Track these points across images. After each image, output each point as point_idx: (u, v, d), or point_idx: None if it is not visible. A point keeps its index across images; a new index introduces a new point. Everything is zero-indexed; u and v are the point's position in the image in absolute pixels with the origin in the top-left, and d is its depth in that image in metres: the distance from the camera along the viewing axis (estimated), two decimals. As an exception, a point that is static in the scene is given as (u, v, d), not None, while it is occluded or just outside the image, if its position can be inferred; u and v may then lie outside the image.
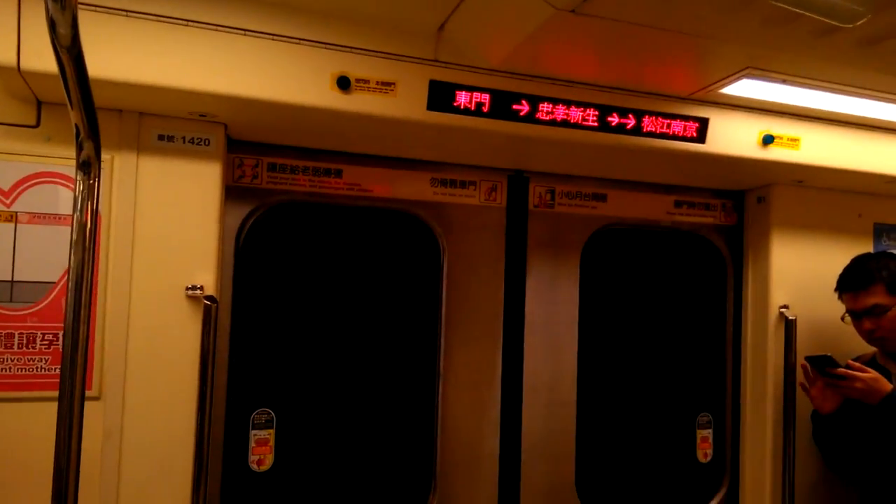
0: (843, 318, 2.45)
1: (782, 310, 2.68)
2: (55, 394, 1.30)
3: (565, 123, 2.12)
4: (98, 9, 1.65)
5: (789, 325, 2.63)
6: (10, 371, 1.83)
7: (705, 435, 2.92)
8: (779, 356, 2.67)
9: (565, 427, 2.64)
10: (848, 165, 2.50)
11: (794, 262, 2.75)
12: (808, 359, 2.44)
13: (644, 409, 2.86)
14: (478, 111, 2.03)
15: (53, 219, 1.88)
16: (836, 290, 2.47)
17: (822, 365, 2.37)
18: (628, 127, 2.19)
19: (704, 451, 2.92)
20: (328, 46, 1.86)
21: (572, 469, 2.65)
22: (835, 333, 2.56)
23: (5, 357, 1.83)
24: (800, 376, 2.51)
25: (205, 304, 1.96)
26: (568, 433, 2.65)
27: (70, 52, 1.06)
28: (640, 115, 2.19)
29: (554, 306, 2.66)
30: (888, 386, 2.23)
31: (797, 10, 0.89)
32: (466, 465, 2.52)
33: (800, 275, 2.74)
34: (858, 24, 0.92)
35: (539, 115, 2.09)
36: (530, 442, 2.59)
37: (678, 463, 2.89)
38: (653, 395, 2.87)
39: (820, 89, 2.16)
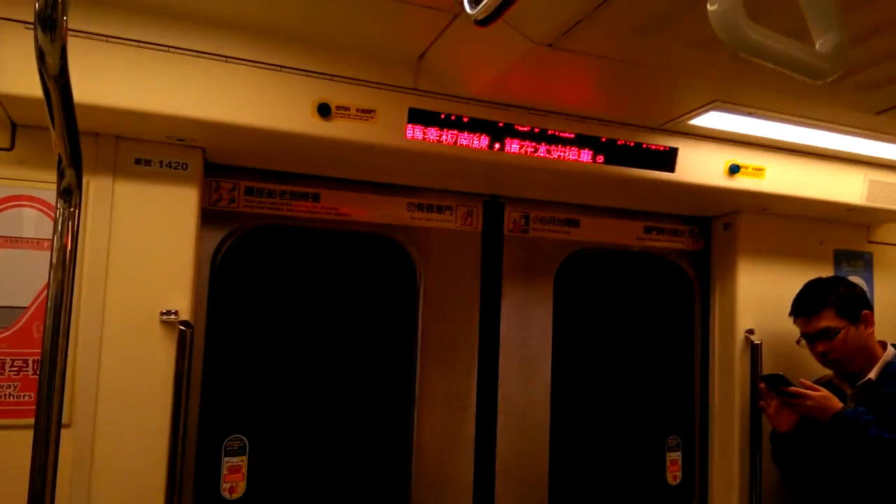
0: (798, 342, 2.53)
1: (748, 334, 2.76)
2: (24, 421, 1.28)
3: (539, 151, 2.17)
4: (78, 34, 1.64)
5: (755, 349, 2.70)
6: (-24, 398, 1.79)
7: (674, 458, 2.96)
8: (745, 379, 2.74)
9: (539, 450, 2.66)
10: (810, 194, 2.59)
11: (759, 287, 2.83)
12: (762, 378, 2.51)
13: (615, 432, 2.89)
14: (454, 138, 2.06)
15: (26, 242, 1.85)
16: (790, 314, 2.55)
17: (776, 384, 2.44)
18: (596, 158, 2.25)
19: (674, 474, 2.96)
20: (309, 74, 1.88)
21: (546, 491, 2.66)
22: (798, 357, 2.63)
23: (-28, 384, 1.79)
24: (758, 397, 2.58)
25: (179, 329, 1.94)
26: (541, 456, 2.66)
27: (58, 81, 1.06)
28: (606, 144, 2.25)
29: (528, 330, 2.69)
30: (838, 404, 2.30)
31: (768, 66, 0.94)
32: (441, 490, 2.51)
33: (764, 299, 2.82)
34: (829, 80, 0.97)
35: (513, 143, 2.14)
36: (504, 465, 2.60)
37: (649, 485, 2.93)
38: (624, 418, 2.91)
39: (784, 122, 2.26)
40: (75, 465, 1.85)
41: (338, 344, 2.47)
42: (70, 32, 1.62)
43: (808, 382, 2.39)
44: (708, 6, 0.86)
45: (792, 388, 2.38)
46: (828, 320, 2.41)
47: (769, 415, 2.52)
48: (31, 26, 0.99)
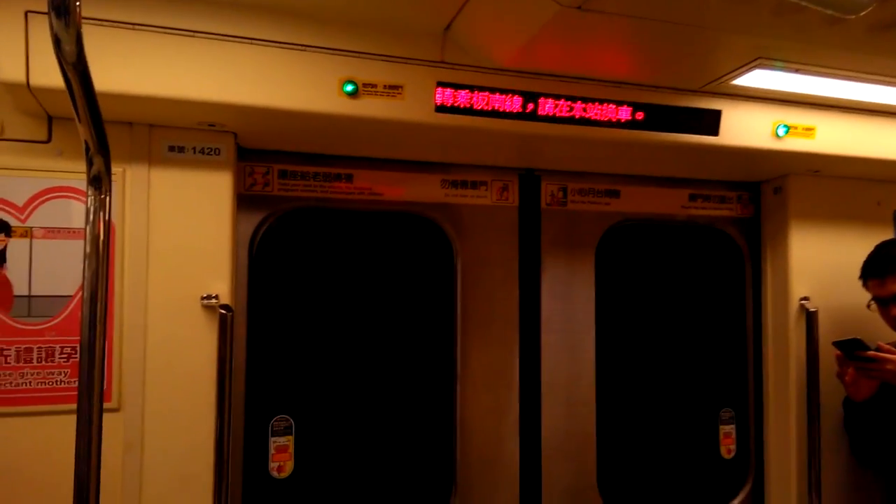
0: (868, 306, 2.41)
1: (803, 301, 2.65)
2: (75, 406, 1.31)
3: (573, 120, 2.11)
4: (105, 23, 1.66)
5: (810, 317, 2.59)
6: (30, 385, 1.85)
7: (728, 430, 2.88)
8: (800, 349, 2.63)
9: (585, 426, 2.62)
10: (864, 153, 2.46)
11: (813, 252, 2.71)
12: (836, 343, 2.39)
13: (665, 406, 2.83)
14: (486, 111, 2.02)
15: (67, 233, 1.90)
16: (860, 277, 2.43)
17: (852, 349, 2.32)
18: (636, 120, 2.16)
19: (728, 447, 2.88)
20: (334, 52, 1.86)
21: (594, 468, 2.62)
22: (857, 324, 2.51)
23: (25, 371, 1.85)
24: (834, 368, 2.46)
25: (220, 313, 1.97)
26: (588, 432, 2.62)
27: (76, 68, 1.06)
28: (645, 108, 2.17)
29: (570, 305, 2.64)
30: None
31: (801, 3, 0.87)
32: (487, 467, 2.50)
33: (819, 266, 2.70)
34: (863, 14, 0.90)
35: (547, 112, 2.08)
36: (550, 442, 2.57)
37: (701, 460, 2.86)
38: (673, 392, 2.84)
39: (833, 77, 2.13)
40: (126, 449, 1.91)
41: (378, 323, 2.47)
42: (97, 22, 1.65)
43: (888, 346, 2.27)
44: None
45: (870, 352, 2.27)
46: None
47: (846, 383, 2.41)
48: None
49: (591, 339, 2.65)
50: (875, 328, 2.42)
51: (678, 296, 2.88)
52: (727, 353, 2.91)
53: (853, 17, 0.90)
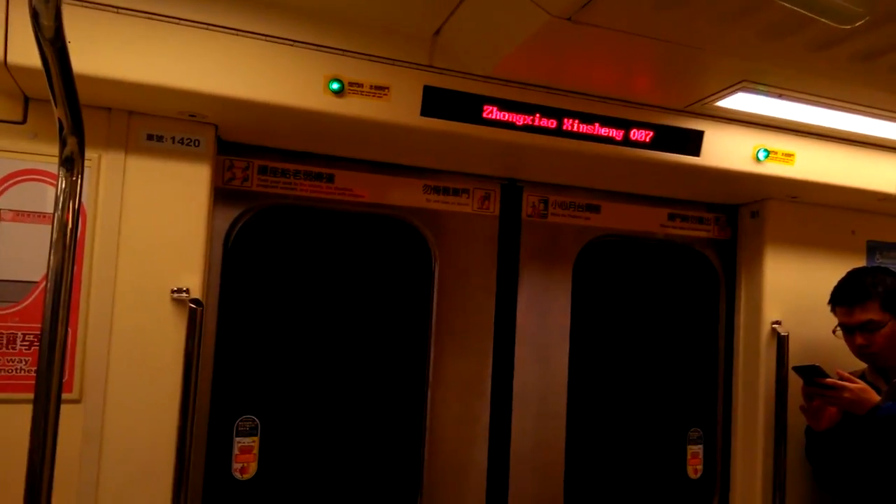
0: (834, 332, 2.44)
1: (774, 325, 2.67)
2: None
3: (558, 133, 2.11)
4: (88, 4, 1.63)
5: (781, 341, 2.61)
6: (-12, 371, 1.80)
7: (696, 451, 2.89)
8: (770, 372, 2.65)
9: (555, 439, 2.61)
10: (842, 182, 2.49)
11: (787, 277, 2.74)
12: (795, 368, 2.42)
13: (635, 423, 2.83)
14: (471, 118, 2.01)
15: (38, 217, 1.85)
16: (829, 302, 2.46)
17: (811, 375, 2.35)
18: (618, 138, 2.18)
19: (695, 467, 2.89)
20: (322, 49, 1.85)
21: (561, 482, 2.61)
22: (827, 350, 2.54)
23: (-16, 357, 1.79)
24: (799, 399, 2.46)
25: (190, 307, 1.93)
26: (557, 445, 2.61)
27: (53, 44, 1.03)
28: (629, 125, 2.18)
29: (545, 317, 2.63)
30: (876, 397, 2.20)
31: (796, 9, 0.88)
32: (454, 476, 2.48)
33: (793, 290, 2.73)
34: (857, 24, 0.91)
35: (532, 123, 2.08)
36: (519, 453, 2.55)
37: (668, 478, 2.86)
38: (644, 409, 2.85)
39: (815, 104, 2.16)
40: (85, 440, 1.86)
41: (351, 326, 2.44)
42: (79, 3, 1.62)
43: (846, 374, 2.29)
44: None
45: (828, 379, 2.29)
46: (872, 312, 2.32)
47: (808, 412, 2.41)
48: None
49: (564, 352, 2.65)
50: (844, 355, 2.44)
51: (653, 314, 2.89)
52: (698, 372, 2.92)
53: (847, 27, 0.91)
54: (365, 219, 2.45)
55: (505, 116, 2.05)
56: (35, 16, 0.99)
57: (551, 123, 2.10)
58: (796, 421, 2.52)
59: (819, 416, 2.36)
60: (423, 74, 1.95)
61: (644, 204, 2.81)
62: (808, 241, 2.78)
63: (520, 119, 2.07)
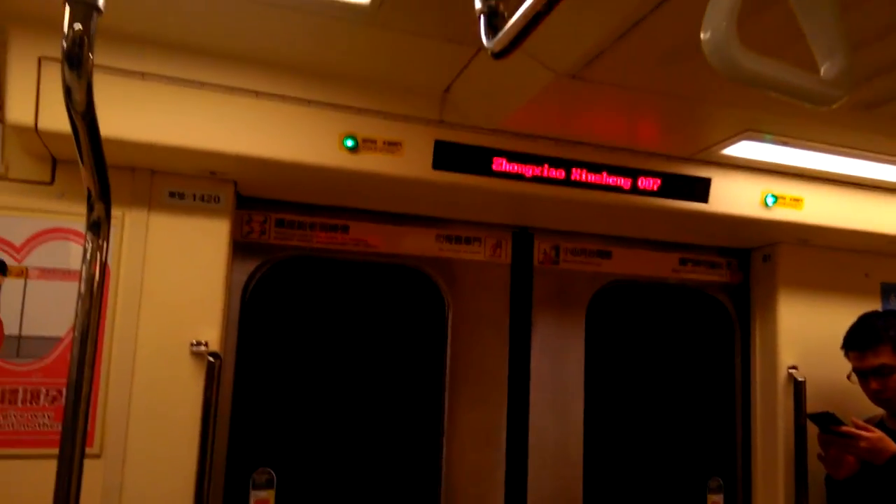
0: (848, 377, 2.42)
1: (791, 370, 2.65)
2: (57, 451, 1.29)
3: (567, 182, 2.15)
4: (115, 71, 1.71)
5: (798, 387, 2.59)
6: (13, 427, 1.83)
7: (716, 500, 2.84)
8: (789, 418, 2.62)
9: (572, 490, 2.58)
10: (852, 225, 2.51)
11: (801, 321, 2.73)
12: (809, 416, 2.39)
13: (653, 472, 2.79)
14: (482, 171, 2.07)
15: (63, 274, 1.91)
16: (842, 347, 2.44)
17: (825, 422, 2.32)
18: (626, 187, 2.22)
19: (716, 517, 2.84)
20: (336, 107, 1.92)
21: (579, 532, 2.58)
22: (844, 395, 2.51)
23: (9, 413, 1.83)
24: (817, 448, 2.43)
25: (209, 360, 1.96)
26: (575, 496, 2.58)
27: (84, 117, 1.09)
28: (637, 174, 2.22)
29: (560, 364, 2.63)
30: (894, 445, 2.17)
31: (772, 94, 0.92)
32: (471, 527, 2.46)
33: (808, 335, 2.71)
34: (835, 106, 0.94)
35: (541, 174, 2.13)
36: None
37: (689, 528, 2.81)
38: (662, 458, 2.81)
39: (821, 151, 2.19)
40: (105, 495, 1.87)
41: (366, 377, 2.46)
42: (106, 70, 1.70)
43: (861, 422, 2.27)
44: (701, 34, 0.85)
45: (843, 427, 2.26)
46: (885, 357, 2.30)
47: (827, 461, 2.39)
48: None
49: (579, 400, 2.64)
50: (862, 400, 2.42)
51: (668, 359, 2.88)
52: (716, 419, 2.89)
53: (825, 109, 0.94)
54: (379, 268, 2.49)
55: (514, 168, 2.10)
56: (68, 91, 1.05)
57: (560, 174, 2.15)
58: (817, 468, 2.48)
59: (838, 464, 2.33)
60: (434, 129, 2.01)
61: (655, 249, 2.83)
62: (821, 284, 2.78)
63: (529, 170, 2.12)
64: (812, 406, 2.55)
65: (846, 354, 2.43)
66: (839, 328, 2.47)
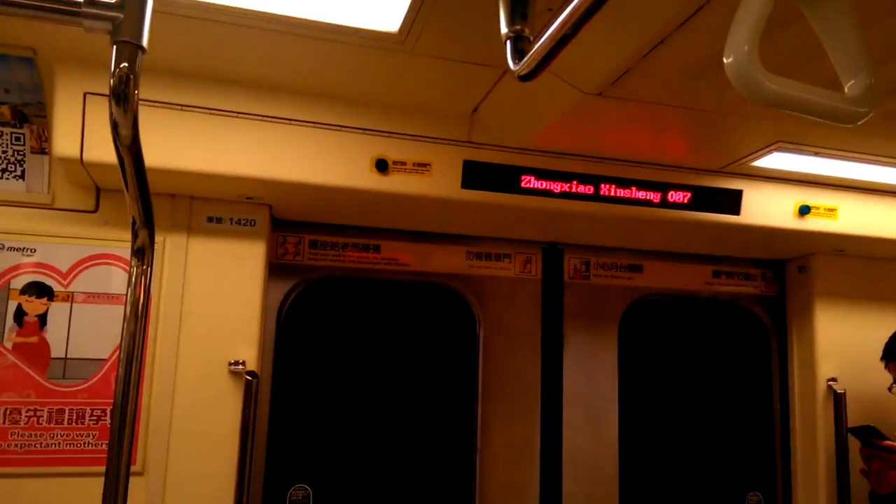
0: (890, 389, 2.37)
1: (830, 382, 2.60)
2: (100, 469, 1.34)
3: (596, 198, 2.16)
4: (156, 104, 1.78)
5: (838, 399, 2.54)
6: (59, 446, 1.89)
7: (756, 515, 2.79)
8: (829, 431, 2.57)
9: (608, 505, 2.57)
10: (888, 234, 2.46)
11: (839, 332, 2.68)
12: (850, 430, 2.34)
13: (690, 487, 2.76)
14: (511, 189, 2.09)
15: (106, 298, 1.97)
16: (881, 358, 2.40)
17: (866, 436, 2.27)
18: (655, 201, 2.22)
19: (756, 533, 2.78)
20: (367, 132, 1.96)
21: (616, 550, 2.55)
22: (886, 407, 2.46)
23: (55, 433, 1.89)
24: (859, 462, 2.39)
25: (246, 379, 2.01)
26: (610, 511, 2.57)
27: (130, 150, 1.14)
28: (666, 188, 2.22)
29: (593, 379, 2.63)
30: None
31: (798, 114, 0.93)
32: (506, 544, 2.45)
33: (846, 346, 2.67)
34: (860, 122, 0.95)
35: (570, 190, 2.14)
36: (571, 520, 2.52)
37: (729, 545, 2.76)
38: (699, 473, 2.77)
39: (853, 160, 2.17)
40: (148, 513, 1.92)
41: (400, 393, 2.49)
42: (148, 103, 1.77)
43: None
44: (723, 58, 0.86)
45: (886, 442, 2.21)
46: None
47: (870, 475, 2.34)
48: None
49: (614, 415, 2.63)
50: (906, 412, 2.37)
51: (704, 373, 2.85)
52: (754, 433, 2.85)
53: (850, 126, 0.95)
54: (410, 286, 2.52)
55: (543, 185, 2.11)
56: (115, 126, 1.11)
57: (589, 189, 2.16)
58: (860, 483, 2.42)
59: (882, 479, 2.28)
60: (462, 150, 2.04)
61: (687, 262, 2.81)
62: (858, 294, 2.73)
63: (557, 187, 2.13)
64: (853, 419, 2.50)
65: (886, 366, 2.38)
66: (878, 338, 2.43)
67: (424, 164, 2.01)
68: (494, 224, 2.43)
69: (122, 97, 1.09)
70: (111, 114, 1.12)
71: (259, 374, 2.05)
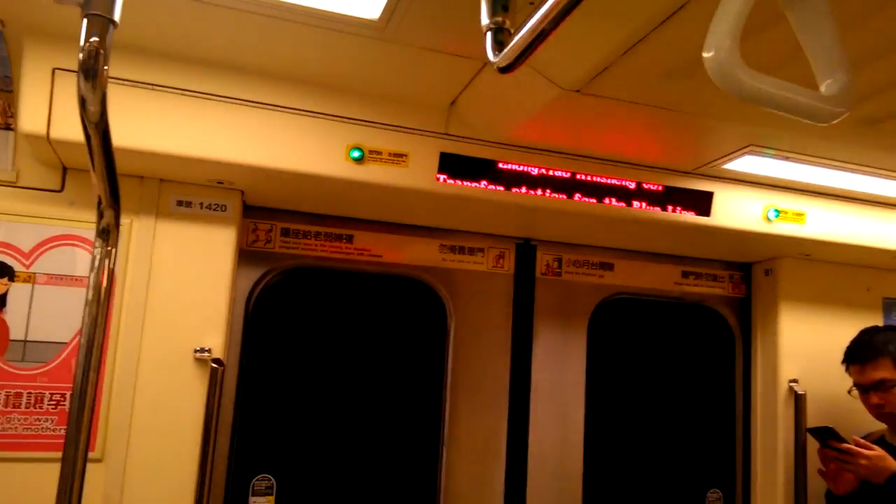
0: (849, 392, 2.42)
1: (792, 384, 2.66)
2: (58, 455, 1.30)
3: (571, 194, 2.17)
4: (125, 82, 1.74)
5: (799, 400, 2.60)
6: (16, 430, 1.84)
7: (716, 512, 2.84)
8: (789, 431, 2.63)
9: (571, 499, 2.58)
10: (854, 240, 2.52)
11: (802, 335, 2.74)
12: (809, 430, 2.40)
13: (652, 484, 2.80)
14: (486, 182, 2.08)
15: (70, 280, 1.92)
16: (843, 361, 2.45)
17: (825, 437, 2.32)
18: (628, 199, 2.23)
19: (715, 529, 2.84)
20: (343, 119, 1.94)
21: (578, 544, 2.58)
22: (846, 409, 2.52)
23: (13, 416, 1.84)
24: (817, 462, 2.44)
25: (212, 366, 1.97)
26: (574, 506, 2.59)
27: (98, 127, 1.11)
28: (640, 187, 2.24)
29: (561, 374, 2.64)
30: (894, 465, 2.17)
31: (774, 111, 0.93)
32: (470, 537, 2.46)
33: (809, 348, 2.72)
34: (835, 122, 0.96)
35: (545, 186, 2.14)
36: (535, 514, 2.53)
37: (688, 541, 2.81)
38: (661, 469, 2.82)
39: (823, 166, 2.20)
40: (106, 499, 1.88)
41: (368, 385, 2.47)
42: (118, 81, 1.73)
43: (862, 440, 2.27)
44: (703, 53, 0.87)
45: (844, 444, 2.26)
46: (885, 371, 2.30)
47: (827, 476, 2.39)
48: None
49: (580, 411, 2.65)
50: (864, 414, 2.42)
51: (669, 371, 2.89)
52: (716, 431, 2.90)
53: (825, 125, 0.96)
54: (382, 278, 2.51)
55: (518, 180, 2.11)
56: (83, 102, 1.07)
57: (563, 185, 2.17)
58: (817, 483, 2.48)
59: (838, 479, 2.33)
60: (439, 142, 2.03)
61: (658, 262, 2.84)
62: (823, 298, 2.79)
63: (532, 182, 2.13)
64: (812, 420, 2.56)
65: (847, 369, 2.44)
66: (840, 342, 2.48)
67: (401, 155, 2.00)
68: (469, 217, 2.43)
69: (91, 72, 1.06)
70: (79, 89, 1.09)
71: (226, 363, 2.02)
